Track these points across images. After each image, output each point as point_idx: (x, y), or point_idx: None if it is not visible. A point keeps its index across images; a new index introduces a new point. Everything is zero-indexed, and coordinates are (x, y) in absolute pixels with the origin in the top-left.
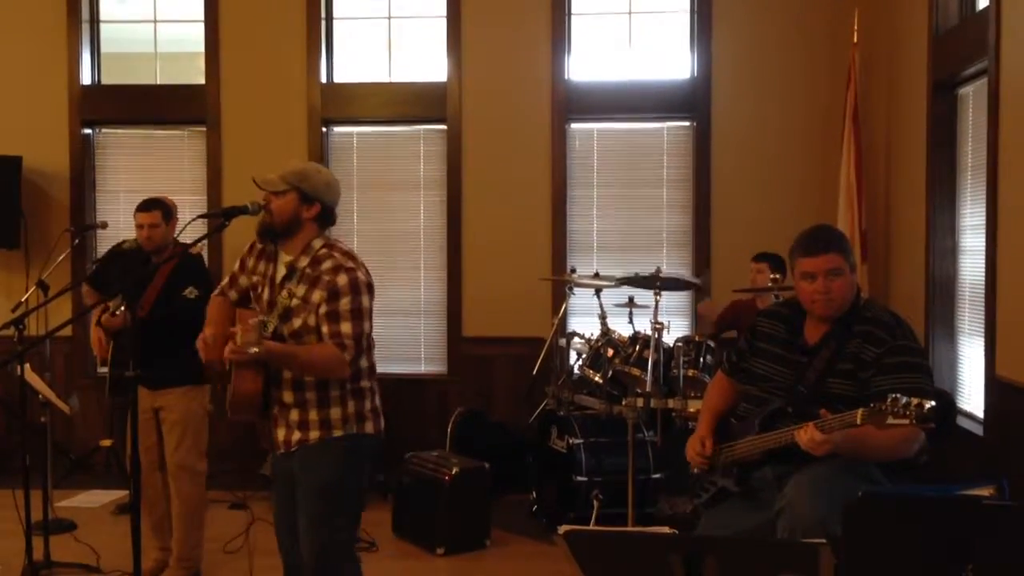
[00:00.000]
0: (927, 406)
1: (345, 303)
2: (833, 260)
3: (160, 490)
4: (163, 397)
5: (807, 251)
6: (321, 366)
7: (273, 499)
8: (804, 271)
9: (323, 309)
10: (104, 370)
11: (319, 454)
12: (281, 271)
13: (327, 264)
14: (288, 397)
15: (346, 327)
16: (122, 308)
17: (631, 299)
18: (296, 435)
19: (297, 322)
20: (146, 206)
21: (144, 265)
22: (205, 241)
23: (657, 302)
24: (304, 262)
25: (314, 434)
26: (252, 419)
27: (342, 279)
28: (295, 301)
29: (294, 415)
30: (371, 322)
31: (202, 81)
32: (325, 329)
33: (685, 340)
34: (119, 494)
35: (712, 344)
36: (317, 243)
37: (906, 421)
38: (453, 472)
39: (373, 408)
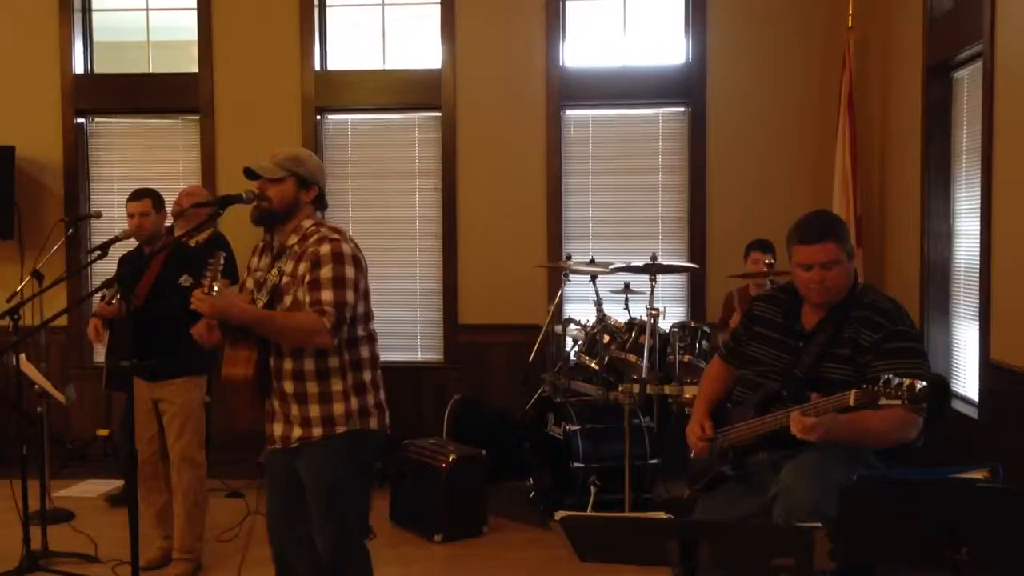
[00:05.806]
0: (919, 386)
1: (326, 271)
2: (829, 250)
3: (162, 480)
4: (162, 389)
5: (803, 240)
6: (299, 330)
7: (267, 493)
8: (800, 260)
9: (306, 279)
10: (101, 360)
11: (324, 452)
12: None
13: (313, 238)
14: (289, 387)
15: (327, 295)
16: (117, 298)
17: (627, 285)
18: (297, 431)
19: (288, 299)
20: (136, 195)
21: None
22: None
23: (653, 288)
24: (293, 240)
25: (317, 431)
26: (252, 415)
27: (324, 248)
28: (285, 278)
29: (295, 410)
30: (361, 297)
31: (195, 69)
32: (307, 298)
33: (681, 326)
34: (116, 484)
35: (708, 330)
36: (307, 223)
37: (898, 402)
38: (450, 459)
39: (377, 403)
